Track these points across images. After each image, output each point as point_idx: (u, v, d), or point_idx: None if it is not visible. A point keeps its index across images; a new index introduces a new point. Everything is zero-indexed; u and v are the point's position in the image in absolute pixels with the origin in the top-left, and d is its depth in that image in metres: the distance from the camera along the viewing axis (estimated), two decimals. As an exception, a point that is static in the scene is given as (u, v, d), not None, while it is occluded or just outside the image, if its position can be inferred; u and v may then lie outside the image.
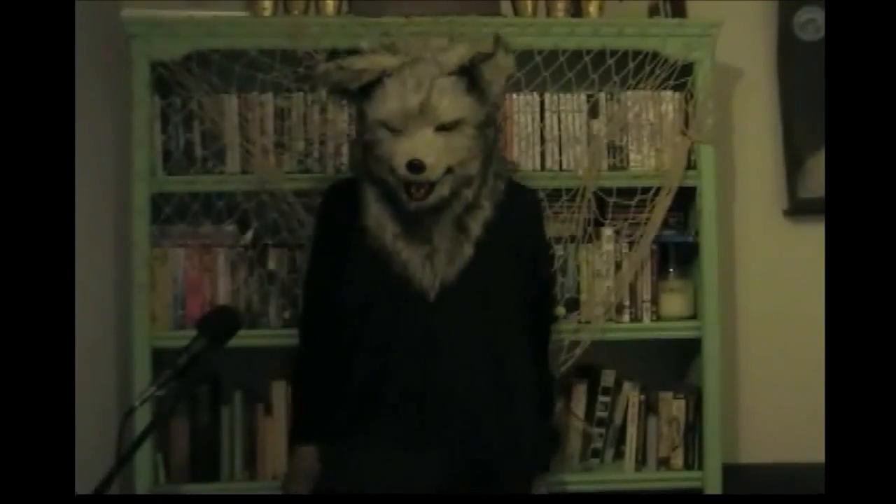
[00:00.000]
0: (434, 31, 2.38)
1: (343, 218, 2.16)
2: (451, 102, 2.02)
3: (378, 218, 2.10)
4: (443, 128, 2.02)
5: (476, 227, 2.10)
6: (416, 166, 1.99)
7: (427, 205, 2.04)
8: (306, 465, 2.20)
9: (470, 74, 2.04)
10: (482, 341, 2.10)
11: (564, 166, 2.69)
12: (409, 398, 2.07)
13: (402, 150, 2.00)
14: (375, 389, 2.09)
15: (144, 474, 2.54)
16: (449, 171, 2.04)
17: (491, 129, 2.13)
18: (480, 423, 2.09)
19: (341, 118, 2.61)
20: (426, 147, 2.00)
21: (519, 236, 2.18)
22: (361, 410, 2.11)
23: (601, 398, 2.72)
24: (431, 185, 2.03)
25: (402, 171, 2.00)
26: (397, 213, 2.09)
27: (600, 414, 2.72)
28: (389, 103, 2.02)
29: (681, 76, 2.68)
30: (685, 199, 2.71)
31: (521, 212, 2.20)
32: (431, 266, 2.08)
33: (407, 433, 2.07)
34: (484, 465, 2.09)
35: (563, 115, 2.70)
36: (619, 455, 2.73)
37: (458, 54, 2.04)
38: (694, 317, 2.72)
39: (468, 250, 2.09)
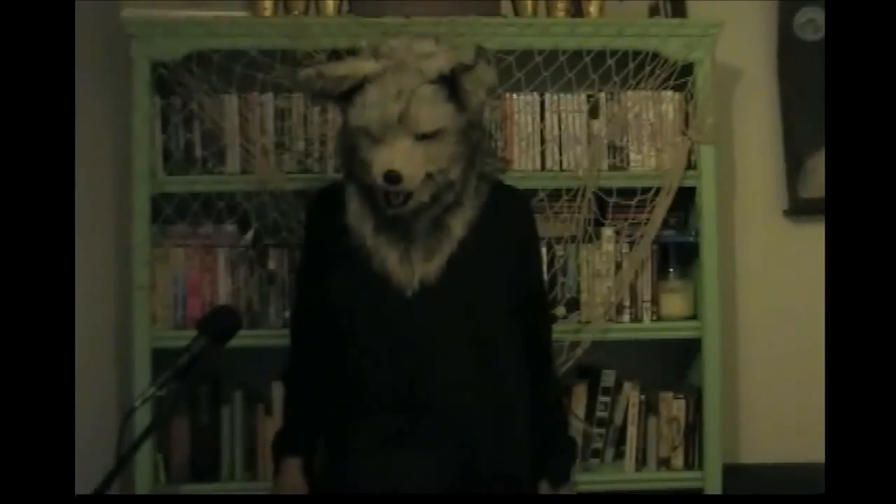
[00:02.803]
0: (434, 32, 2.37)
1: (328, 220, 2.15)
2: (431, 112, 1.99)
3: (358, 214, 2.09)
4: (423, 137, 2.00)
5: (458, 226, 2.08)
6: (392, 178, 1.97)
7: (405, 211, 2.03)
8: (292, 481, 2.21)
9: (451, 83, 2.02)
10: (466, 340, 2.09)
11: (564, 166, 2.69)
12: (392, 397, 2.07)
13: (380, 160, 1.99)
14: (361, 389, 2.09)
15: (144, 474, 2.54)
16: (428, 177, 2.02)
17: (475, 132, 2.11)
18: (467, 423, 2.08)
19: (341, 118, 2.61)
20: (404, 157, 1.98)
21: (505, 237, 2.16)
22: (349, 410, 2.11)
23: (601, 398, 2.72)
24: (409, 194, 2.02)
25: (379, 181, 1.99)
26: (377, 209, 2.08)
27: (600, 414, 2.72)
28: (369, 111, 2.00)
29: (681, 76, 2.68)
30: (685, 199, 2.71)
31: (507, 213, 2.18)
32: (409, 262, 2.06)
33: (392, 432, 2.07)
34: (473, 467, 2.08)
35: (563, 115, 2.70)
36: (619, 455, 2.72)
37: (439, 63, 2.01)
38: (694, 317, 2.72)
39: (448, 248, 2.07)
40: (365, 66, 2.02)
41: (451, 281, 2.07)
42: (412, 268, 2.06)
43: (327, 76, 2.03)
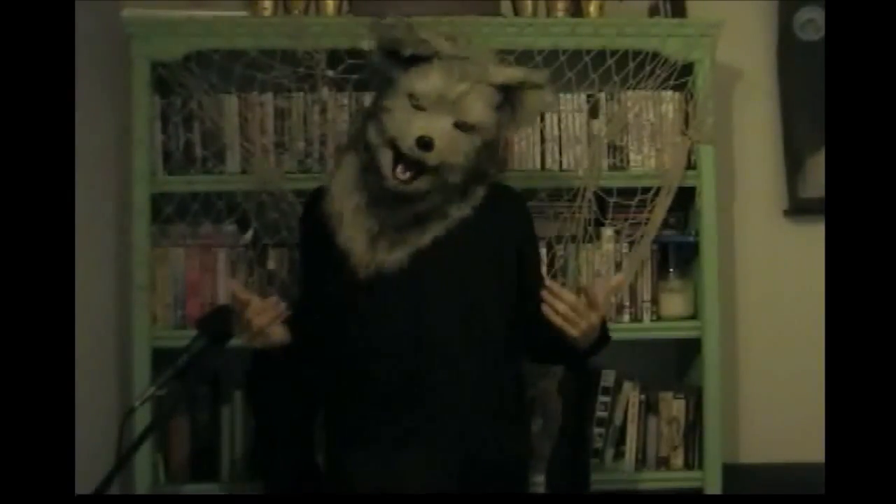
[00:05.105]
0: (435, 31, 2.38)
1: (320, 217, 2.16)
2: (482, 108, 2.08)
3: (345, 184, 2.13)
4: (461, 125, 2.07)
5: (437, 224, 2.09)
6: (426, 143, 2.02)
7: (405, 190, 2.05)
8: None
9: (507, 95, 2.11)
10: (464, 340, 2.09)
11: (564, 166, 2.69)
12: (387, 392, 2.07)
13: (419, 125, 2.04)
14: (352, 384, 2.11)
15: (144, 474, 2.54)
16: (436, 170, 2.05)
17: (486, 156, 2.14)
18: (465, 421, 2.08)
19: (341, 118, 2.62)
20: (441, 131, 2.04)
21: (503, 235, 2.16)
22: (349, 406, 2.12)
23: (601, 398, 2.72)
24: (419, 172, 2.04)
25: (410, 142, 2.02)
26: (365, 186, 2.11)
27: (600, 414, 2.72)
28: (432, 81, 2.06)
29: (681, 76, 2.68)
30: (685, 199, 2.71)
31: (504, 211, 2.19)
32: (376, 252, 2.08)
33: (391, 429, 2.07)
34: (471, 466, 2.08)
35: (563, 115, 2.70)
36: (619, 455, 2.73)
37: (509, 74, 2.13)
38: (694, 317, 2.72)
39: (424, 240, 2.08)
40: (444, 43, 2.10)
41: (451, 276, 2.09)
42: (374, 252, 2.08)
43: (412, 31, 2.09)
